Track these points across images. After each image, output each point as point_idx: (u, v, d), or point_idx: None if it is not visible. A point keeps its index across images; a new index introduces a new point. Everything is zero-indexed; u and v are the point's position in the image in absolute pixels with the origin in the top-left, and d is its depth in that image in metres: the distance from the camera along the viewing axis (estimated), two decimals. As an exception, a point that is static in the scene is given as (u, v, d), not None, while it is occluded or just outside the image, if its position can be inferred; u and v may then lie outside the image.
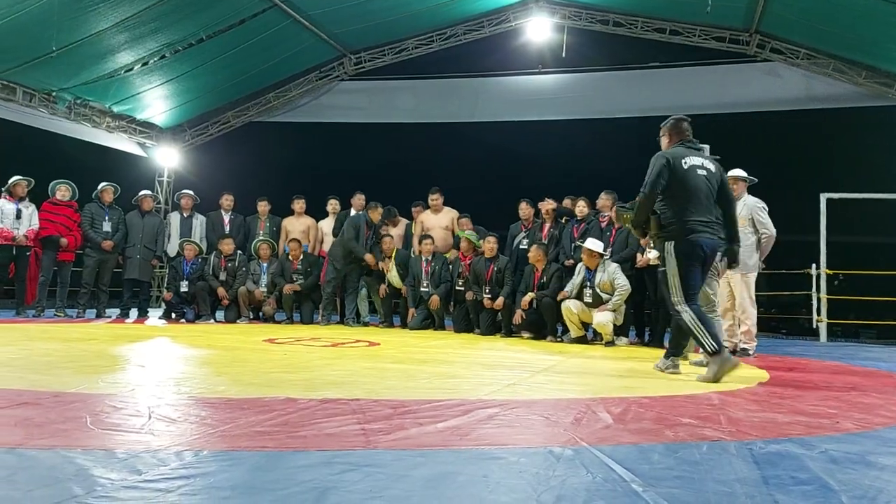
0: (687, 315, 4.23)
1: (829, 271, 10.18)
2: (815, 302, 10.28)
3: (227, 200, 9.88)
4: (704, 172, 4.45)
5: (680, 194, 4.38)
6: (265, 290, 9.10)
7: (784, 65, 11.85)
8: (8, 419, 2.17)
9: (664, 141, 4.75)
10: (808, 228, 10.63)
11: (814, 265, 10.24)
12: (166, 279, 9.48)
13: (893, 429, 2.64)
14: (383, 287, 9.03)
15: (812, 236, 10.44)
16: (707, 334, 4.16)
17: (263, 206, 9.94)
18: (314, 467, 1.72)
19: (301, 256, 9.16)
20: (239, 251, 9.29)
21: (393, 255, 9.04)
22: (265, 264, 9.21)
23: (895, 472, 1.93)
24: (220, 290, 8.88)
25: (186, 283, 9.01)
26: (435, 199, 9.32)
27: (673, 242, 4.38)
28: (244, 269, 9.12)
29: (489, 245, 8.05)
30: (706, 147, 5.48)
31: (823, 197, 10.32)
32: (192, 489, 1.51)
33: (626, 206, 5.81)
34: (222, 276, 9.02)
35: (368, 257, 8.88)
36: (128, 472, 1.62)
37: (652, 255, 7.01)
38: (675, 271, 4.33)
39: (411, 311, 8.81)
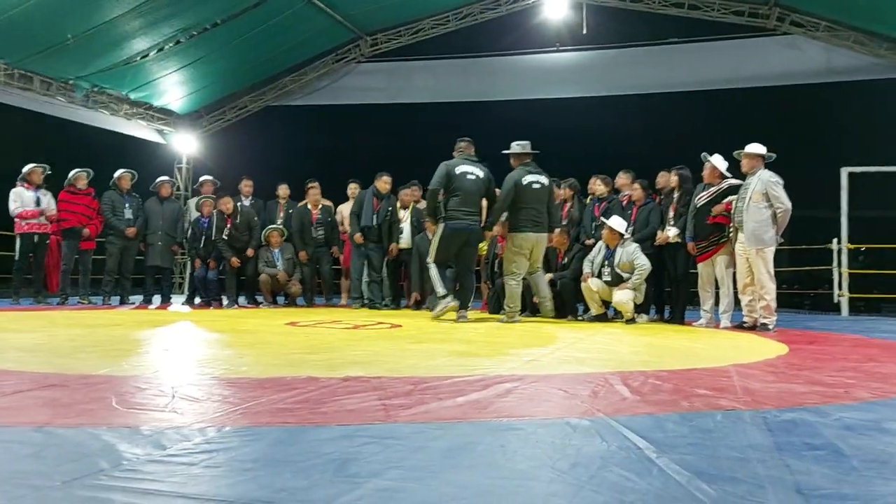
0: (433, 269, 6.71)
1: (850, 246, 10.06)
2: (836, 277, 10.18)
3: (246, 186, 9.82)
4: (473, 177, 6.65)
5: (453, 192, 6.55)
6: (284, 270, 9.14)
7: (804, 38, 11.66)
8: (35, 400, 2.23)
9: (455, 154, 6.88)
10: (830, 203, 10.50)
11: (835, 240, 10.13)
12: (188, 244, 9.33)
13: (910, 398, 2.63)
14: (394, 246, 8.99)
15: (835, 211, 10.32)
16: (441, 283, 6.64)
17: (283, 191, 9.90)
18: (335, 441, 1.76)
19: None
20: (240, 205, 9.31)
21: (410, 207, 8.98)
22: (276, 251, 9.21)
23: (910, 438, 1.94)
24: (234, 260, 8.89)
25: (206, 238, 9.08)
26: None
27: (443, 225, 6.61)
28: (256, 218, 9.20)
29: None
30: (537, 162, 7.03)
31: (844, 171, 10.18)
32: (215, 462, 1.55)
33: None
34: (231, 232, 9.00)
35: (357, 237, 8.84)
36: (152, 447, 1.66)
37: (672, 232, 6.99)
38: (436, 243, 6.69)
39: (415, 294, 8.78)
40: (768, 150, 6.41)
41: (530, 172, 6.77)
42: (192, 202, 9.97)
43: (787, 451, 1.71)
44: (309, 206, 9.19)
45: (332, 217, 9.30)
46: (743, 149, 6.46)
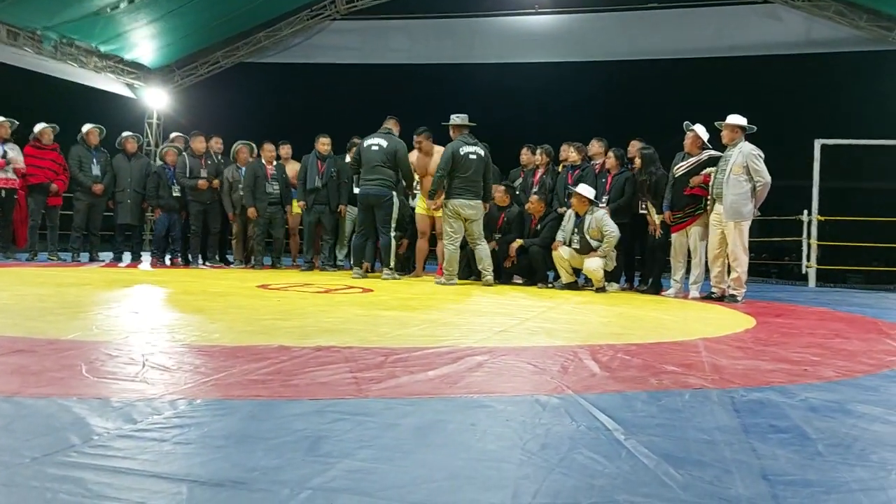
0: (354, 239, 7.68)
1: (820, 217, 10.18)
2: (805, 248, 10.32)
3: (216, 143, 9.58)
4: (377, 148, 7.36)
5: (363, 163, 7.42)
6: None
7: (784, 7, 11.64)
8: (4, 367, 2.20)
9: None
10: (803, 174, 10.57)
11: (805, 211, 10.24)
12: (151, 194, 9.05)
13: (873, 377, 2.70)
14: (342, 207, 8.80)
15: (807, 182, 10.40)
16: (355, 255, 7.61)
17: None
18: (306, 416, 1.76)
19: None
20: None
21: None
22: (244, 168, 8.97)
23: (872, 419, 1.99)
24: (202, 182, 8.77)
25: (178, 187, 8.90)
26: (419, 140, 8.18)
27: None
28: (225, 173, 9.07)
29: (499, 194, 7.88)
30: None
31: (818, 143, 10.25)
32: (187, 438, 1.54)
33: None
34: (203, 174, 8.87)
35: (300, 204, 8.78)
36: (123, 420, 1.64)
37: (658, 220, 7.00)
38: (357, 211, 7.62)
39: (366, 264, 8.25)
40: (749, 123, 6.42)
41: (467, 143, 7.22)
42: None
43: (754, 434, 1.75)
44: (263, 161, 9.00)
45: (286, 174, 9.14)
46: (722, 119, 6.46)
